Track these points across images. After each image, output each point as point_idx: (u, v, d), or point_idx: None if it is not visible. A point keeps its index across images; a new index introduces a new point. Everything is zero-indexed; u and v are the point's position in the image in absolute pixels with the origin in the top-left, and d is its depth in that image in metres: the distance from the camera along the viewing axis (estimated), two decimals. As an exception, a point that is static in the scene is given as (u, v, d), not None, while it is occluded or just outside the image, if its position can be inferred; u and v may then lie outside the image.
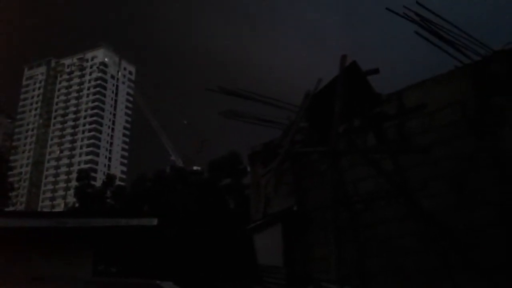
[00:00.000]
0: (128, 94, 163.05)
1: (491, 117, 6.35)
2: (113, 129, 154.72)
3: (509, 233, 6.01)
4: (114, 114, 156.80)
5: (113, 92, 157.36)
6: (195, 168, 52.05)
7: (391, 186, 6.73)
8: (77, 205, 43.76)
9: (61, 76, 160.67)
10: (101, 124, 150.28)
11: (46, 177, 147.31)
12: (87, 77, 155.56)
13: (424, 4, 6.01)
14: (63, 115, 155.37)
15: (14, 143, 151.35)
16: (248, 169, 11.98)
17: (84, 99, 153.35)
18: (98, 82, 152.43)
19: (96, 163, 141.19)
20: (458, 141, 6.71)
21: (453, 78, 6.84)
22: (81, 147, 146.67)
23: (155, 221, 14.48)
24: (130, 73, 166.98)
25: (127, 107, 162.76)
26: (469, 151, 6.55)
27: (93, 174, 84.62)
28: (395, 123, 7.30)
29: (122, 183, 63.55)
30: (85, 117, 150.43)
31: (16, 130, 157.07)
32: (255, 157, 9.94)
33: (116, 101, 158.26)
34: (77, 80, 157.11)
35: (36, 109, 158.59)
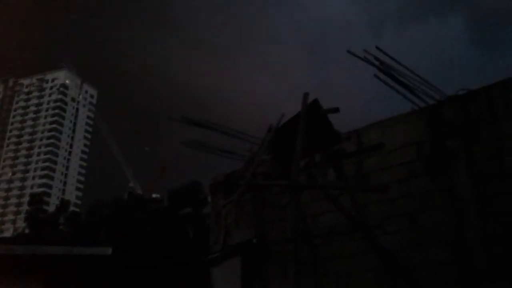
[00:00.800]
0: (88, 117, 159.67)
1: (445, 159, 6.65)
2: (70, 153, 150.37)
3: (461, 271, 6.21)
4: (72, 137, 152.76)
5: (72, 115, 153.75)
6: (154, 196, 51.09)
7: (350, 221, 6.86)
8: (27, 230, 41.85)
9: (18, 96, 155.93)
10: (58, 147, 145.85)
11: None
12: (46, 98, 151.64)
13: (383, 48, 6.31)
14: (18, 136, 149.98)
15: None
16: (209, 199, 11.91)
17: (42, 120, 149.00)
18: (58, 104, 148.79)
19: (50, 187, 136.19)
20: (414, 180, 6.97)
21: (409, 119, 7.17)
22: (35, 170, 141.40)
23: (109, 251, 14.04)
24: (91, 96, 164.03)
25: (86, 131, 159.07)
26: (424, 190, 6.81)
27: (46, 199, 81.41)
28: (354, 160, 7.52)
29: (76, 209, 61.42)
30: (41, 139, 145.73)
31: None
32: (216, 187, 9.93)
33: (75, 124, 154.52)
34: (35, 101, 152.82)
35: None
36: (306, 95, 6.66)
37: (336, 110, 6.60)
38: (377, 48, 6.26)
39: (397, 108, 7.19)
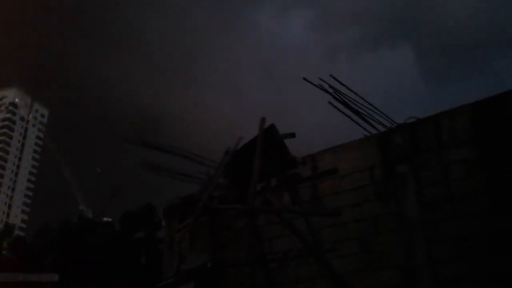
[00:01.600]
0: (38, 137, 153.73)
1: (395, 184, 6.91)
2: (16, 174, 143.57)
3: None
4: (20, 158, 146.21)
5: (21, 134, 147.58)
6: (105, 219, 49.46)
7: (305, 245, 6.94)
8: (-34, 256, 39.32)
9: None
10: (3, 168, 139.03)
11: None
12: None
13: (338, 76, 6.56)
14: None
15: None
16: (163, 223, 11.69)
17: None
18: (5, 123, 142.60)
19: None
20: (365, 205, 7.18)
21: (362, 145, 7.43)
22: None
23: (56, 277, 13.42)
24: (42, 116, 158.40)
25: (35, 151, 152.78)
26: (376, 215, 7.02)
27: (-11, 222, 76.99)
28: (309, 184, 7.67)
29: (22, 233, 58.39)
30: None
31: None
32: (171, 211, 9.79)
33: (23, 144, 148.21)
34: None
35: None
36: (263, 120, 6.77)
37: (292, 135, 6.74)
38: (332, 76, 6.50)
39: (351, 133, 7.44)
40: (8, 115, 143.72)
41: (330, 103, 6.63)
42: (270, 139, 6.67)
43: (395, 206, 6.87)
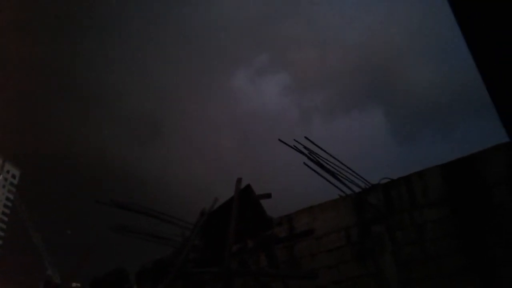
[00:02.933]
0: (7, 199, 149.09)
1: (372, 244, 6.90)
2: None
3: None
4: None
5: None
6: (74, 285, 47.10)
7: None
8: None
9: None
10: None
11: None
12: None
13: (312, 137, 6.72)
14: None
15: None
16: (135, 288, 11.23)
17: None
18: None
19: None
20: (343, 265, 7.11)
21: (337, 206, 7.48)
22: None
23: None
24: (13, 176, 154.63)
25: (3, 213, 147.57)
26: (353, 276, 6.94)
27: None
28: (286, 245, 7.59)
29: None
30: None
31: None
32: (144, 275, 9.45)
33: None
34: None
35: None
36: (239, 180, 6.79)
37: (268, 195, 6.75)
38: (306, 138, 6.64)
39: (327, 194, 7.50)
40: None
41: (305, 164, 6.73)
42: (246, 200, 6.66)
43: (373, 266, 6.83)
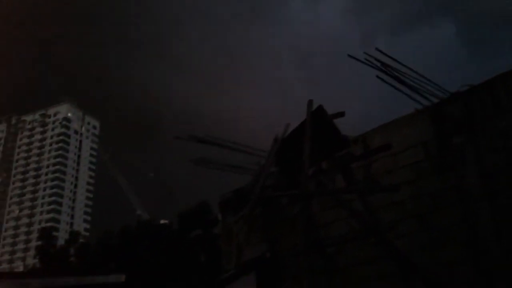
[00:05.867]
0: (92, 149, 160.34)
1: (452, 157, 6.61)
2: (76, 185, 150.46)
3: (475, 270, 6.12)
4: (77, 170, 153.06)
5: (76, 147, 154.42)
6: (162, 221, 50.82)
7: (362, 227, 6.79)
8: (38, 265, 41.64)
9: (22, 133, 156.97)
10: (63, 181, 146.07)
11: (4, 239, 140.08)
12: (49, 133, 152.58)
13: (377, 55, 6.35)
14: (23, 173, 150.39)
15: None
16: (219, 218, 11.84)
17: (46, 155, 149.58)
18: (61, 137, 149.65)
19: (58, 221, 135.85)
20: (422, 180, 6.92)
21: (414, 120, 7.17)
22: (42, 205, 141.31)
23: (123, 278, 13.92)
24: (94, 127, 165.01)
25: (90, 162, 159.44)
26: (433, 190, 6.76)
27: (54, 233, 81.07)
28: (362, 164, 7.50)
29: (84, 241, 61.12)
30: (46, 174, 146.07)
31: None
32: (226, 205, 9.88)
33: (79, 156, 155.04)
34: (38, 137, 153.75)
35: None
36: (310, 102, 6.69)
37: (341, 114, 6.62)
38: (377, 49, 6.31)
39: (399, 109, 7.20)
40: (63, 130, 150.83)
41: (378, 77, 6.42)
42: (319, 121, 6.58)
43: (454, 179, 6.59)
